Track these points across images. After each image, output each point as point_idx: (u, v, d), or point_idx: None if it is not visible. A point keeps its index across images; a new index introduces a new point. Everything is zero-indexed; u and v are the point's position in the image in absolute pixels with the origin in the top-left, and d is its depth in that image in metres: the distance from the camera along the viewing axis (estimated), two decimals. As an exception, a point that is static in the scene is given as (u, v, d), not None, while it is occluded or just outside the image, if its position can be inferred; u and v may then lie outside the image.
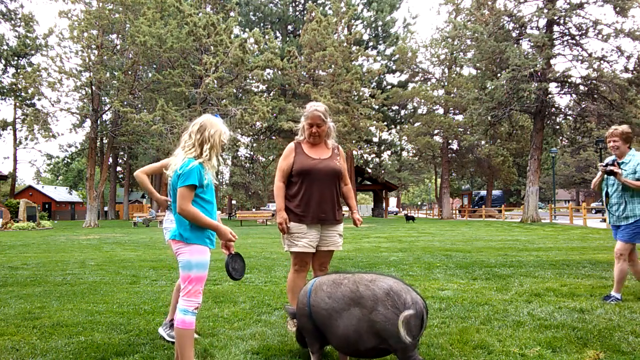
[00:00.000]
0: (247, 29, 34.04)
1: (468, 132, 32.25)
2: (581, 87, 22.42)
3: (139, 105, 28.25)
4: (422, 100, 36.04)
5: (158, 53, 25.28)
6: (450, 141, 35.23)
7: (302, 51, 28.16)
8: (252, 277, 6.01)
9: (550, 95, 22.53)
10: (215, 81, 25.36)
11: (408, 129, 35.92)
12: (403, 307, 2.27)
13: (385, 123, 33.26)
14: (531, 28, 22.83)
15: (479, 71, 26.67)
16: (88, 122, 29.80)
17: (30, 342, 3.22)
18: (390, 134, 41.90)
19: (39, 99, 31.26)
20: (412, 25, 39.92)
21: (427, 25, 58.83)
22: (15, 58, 35.20)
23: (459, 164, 37.23)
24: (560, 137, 27.38)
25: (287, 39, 36.15)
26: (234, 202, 40.63)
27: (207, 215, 2.53)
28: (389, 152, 44.76)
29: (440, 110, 35.71)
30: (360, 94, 30.79)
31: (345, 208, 3.84)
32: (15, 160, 37.26)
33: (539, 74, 21.02)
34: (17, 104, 34.66)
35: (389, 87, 38.43)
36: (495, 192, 43.17)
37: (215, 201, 2.68)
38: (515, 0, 22.55)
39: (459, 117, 33.89)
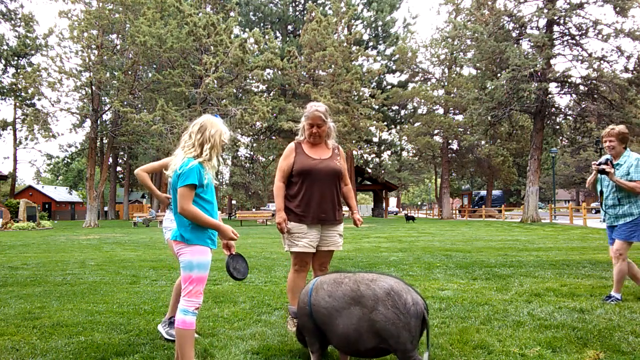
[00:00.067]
0: (247, 29, 34.04)
1: (468, 132, 32.25)
2: (581, 87, 22.42)
3: (139, 105, 28.25)
4: (422, 100, 36.04)
5: (158, 53, 25.28)
6: (450, 141, 35.24)
7: (302, 51, 28.16)
8: (252, 277, 6.01)
9: (550, 95, 22.54)
10: (215, 81, 25.36)
11: (408, 129, 35.92)
12: (403, 307, 2.27)
13: (385, 123, 33.26)
14: (531, 28, 22.84)
15: (479, 71, 26.67)
16: (88, 122, 29.81)
17: (30, 342, 3.22)
18: (390, 134, 41.91)
19: (39, 99, 31.29)
20: (412, 25, 39.95)
21: (427, 25, 58.92)
22: (15, 58, 35.21)
23: (459, 164, 37.24)
24: (560, 137, 27.38)
25: (287, 39, 36.15)
26: (234, 202, 40.64)
27: (207, 215, 2.53)
28: (389, 152, 44.79)
29: (440, 110, 35.72)
30: (360, 94, 30.79)
31: (345, 208, 3.84)
32: (15, 160, 37.27)
33: (539, 74, 21.02)
34: (17, 104, 34.67)
35: (389, 87, 38.43)
36: (495, 192, 43.17)
37: (216, 201, 2.68)
38: (515, 0, 22.55)
39: (459, 117, 33.89)
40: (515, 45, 21.88)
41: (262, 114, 24.46)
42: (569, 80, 22.23)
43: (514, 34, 23.08)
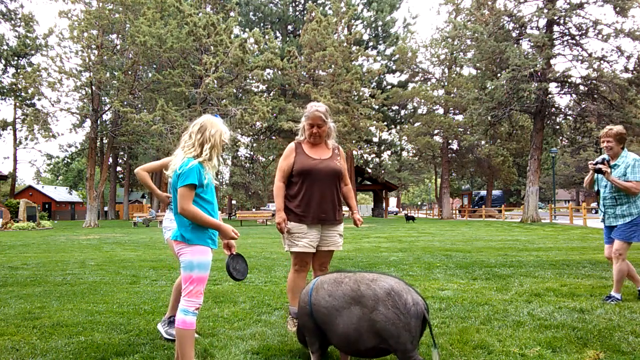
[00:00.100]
0: (247, 29, 34.04)
1: (468, 132, 32.25)
2: (581, 87, 22.42)
3: (139, 105, 28.25)
4: (422, 100, 36.04)
5: (158, 53, 25.28)
6: (450, 141, 35.24)
7: (302, 51, 28.17)
8: (252, 277, 6.01)
9: (550, 95, 22.54)
10: (215, 81, 25.36)
11: (408, 129, 35.92)
12: (404, 308, 2.27)
13: (385, 123, 33.26)
14: (531, 28, 22.84)
15: (479, 71, 26.67)
16: (88, 122, 29.82)
17: (30, 342, 3.22)
18: (390, 134, 41.91)
19: (39, 99, 31.30)
20: (412, 25, 39.95)
21: (427, 25, 58.90)
22: (15, 58, 35.21)
23: (459, 164, 37.24)
24: (560, 137, 27.38)
25: (287, 39, 36.15)
26: (234, 202, 40.64)
27: (207, 215, 2.53)
28: (389, 152, 44.79)
29: (440, 110, 35.72)
30: (360, 94, 30.79)
31: (345, 208, 3.85)
32: (15, 160, 37.27)
33: (539, 74, 21.02)
34: (17, 104, 34.67)
35: (389, 87, 38.43)
36: (495, 192, 43.17)
37: (216, 201, 2.68)
38: (515, 0, 22.55)
39: (459, 117, 33.89)
40: (515, 45, 21.88)
41: (262, 114, 24.46)
42: (569, 80, 22.23)
43: (514, 34, 23.08)
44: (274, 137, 33.51)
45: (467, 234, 14.40)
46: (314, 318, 2.57)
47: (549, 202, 47.68)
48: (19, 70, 32.66)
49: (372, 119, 29.46)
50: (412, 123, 36.66)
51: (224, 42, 24.83)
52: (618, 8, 20.06)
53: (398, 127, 40.16)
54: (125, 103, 26.79)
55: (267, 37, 29.20)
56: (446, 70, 35.55)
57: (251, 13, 37.31)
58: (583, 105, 22.40)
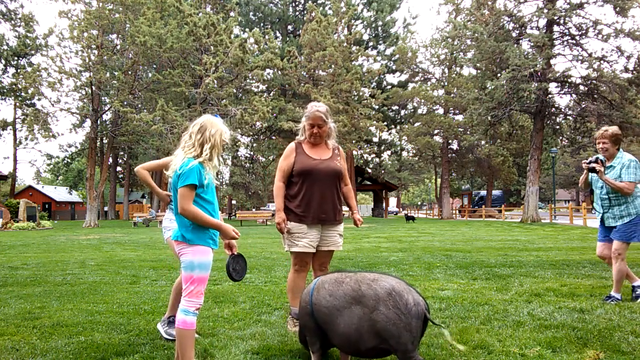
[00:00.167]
0: (247, 29, 34.04)
1: (468, 132, 32.26)
2: (581, 87, 22.42)
3: (139, 105, 28.25)
4: (422, 100, 36.04)
5: (158, 53, 25.28)
6: (450, 141, 35.24)
7: (302, 51, 28.17)
8: (252, 277, 6.01)
9: (550, 95, 22.54)
10: (215, 81, 25.36)
11: (408, 129, 35.92)
12: (405, 308, 2.27)
13: (385, 123, 33.26)
14: (531, 28, 22.85)
15: (479, 71, 26.67)
16: (88, 122, 29.82)
17: (30, 342, 3.22)
18: (390, 134, 41.92)
19: (39, 99, 31.30)
20: (412, 25, 39.94)
21: (427, 25, 58.85)
22: (15, 58, 35.21)
23: (459, 164, 37.24)
24: (560, 137, 27.38)
25: (287, 39, 36.15)
26: (234, 202, 40.63)
27: (208, 215, 2.53)
28: (389, 152, 44.79)
29: (440, 110, 35.72)
30: (360, 94, 30.79)
31: (345, 208, 3.85)
32: (15, 160, 37.28)
33: (539, 74, 21.02)
34: (17, 104, 34.67)
35: (389, 87, 38.43)
36: (495, 192, 43.17)
37: (217, 201, 2.67)
38: (515, 0, 22.56)
39: (459, 117, 33.89)
40: (515, 45, 21.88)
41: (262, 114, 24.46)
42: (569, 80, 22.24)
43: (514, 34, 23.09)
44: (274, 137, 33.51)
45: (467, 234, 14.40)
46: (315, 318, 2.57)
47: (549, 202, 47.68)
48: (19, 70, 32.66)
49: (372, 119, 29.46)
50: (412, 123, 36.66)
51: (224, 42, 24.83)
52: (618, 8, 20.06)
53: (398, 127, 40.16)
54: (125, 103, 26.79)
55: (267, 37, 29.20)
56: (446, 70, 35.55)
57: (251, 13, 37.31)
58: (583, 105, 22.40)
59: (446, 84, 34.59)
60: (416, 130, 34.13)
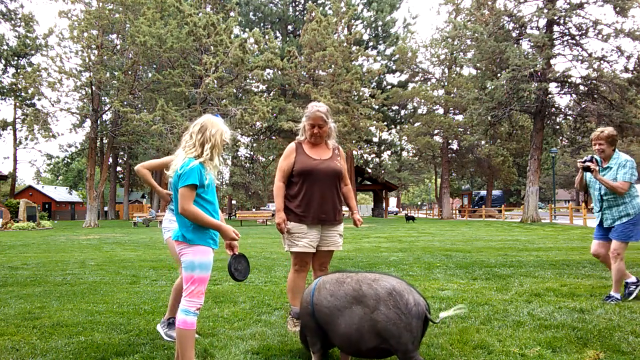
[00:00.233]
0: (247, 29, 34.04)
1: (468, 132, 32.26)
2: (581, 87, 22.42)
3: (139, 105, 28.25)
4: (422, 100, 36.04)
5: (158, 53, 25.29)
6: (450, 141, 35.24)
7: (302, 51, 28.17)
8: (252, 277, 6.01)
9: (550, 95, 22.54)
10: (215, 81, 25.36)
11: (408, 129, 35.92)
12: (405, 308, 2.26)
13: (385, 123, 33.26)
14: (531, 28, 22.85)
15: (479, 71, 26.67)
16: (88, 122, 29.83)
17: (30, 342, 3.22)
18: (390, 134, 41.92)
19: (39, 99, 31.30)
20: (412, 25, 39.93)
21: (427, 25, 58.84)
22: (15, 58, 35.21)
23: (459, 164, 37.24)
24: (560, 137, 27.39)
25: (287, 39, 36.15)
26: (234, 202, 40.64)
27: (208, 215, 2.53)
28: (389, 152, 44.79)
29: (440, 110, 35.72)
30: (360, 94, 30.79)
31: (345, 208, 3.85)
32: (15, 160, 37.28)
33: (539, 74, 21.02)
34: (17, 104, 34.68)
35: (389, 87, 38.43)
36: (495, 192, 43.18)
37: (217, 201, 2.67)
38: (515, 0, 22.56)
39: (459, 117, 33.89)
40: (515, 45, 21.88)
41: (262, 114, 24.46)
42: (569, 80, 22.23)
43: (514, 34, 23.09)
44: (274, 137, 33.51)
45: (467, 234, 14.40)
46: (316, 318, 2.57)
47: (549, 202, 47.69)
48: (19, 70, 32.66)
49: (372, 119, 29.46)
50: (412, 123, 36.66)
51: (224, 42, 24.83)
52: (618, 8, 20.06)
53: (398, 127, 40.16)
54: (125, 103, 26.79)
55: (267, 37, 29.20)
56: (446, 70, 35.55)
57: (251, 13, 37.31)
58: (583, 105, 22.40)
59: (446, 84, 34.59)
60: (416, 130, 34.13)
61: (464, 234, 14.43)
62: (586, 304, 4.11)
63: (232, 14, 31.21)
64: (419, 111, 38.02)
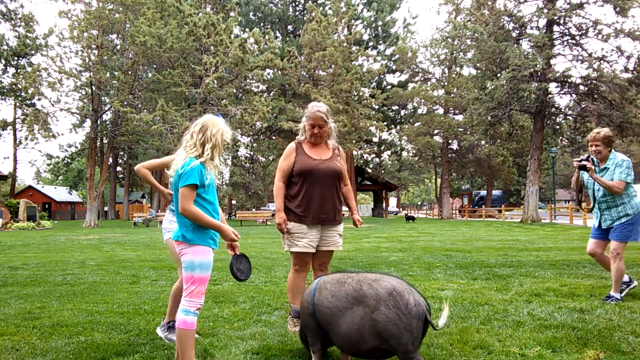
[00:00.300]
0: (247, 29, 34.04)
1: (468, 132, 32.26)
2: (581, 87, 22.42)
3: (139, 105, 28.26)
4: (422, 100, 36.04)
5: (158, 53, 25.29)
6: (450, 141, 35.24)
7: (302, 51, 28.17)
8: (252, 277, 6.00)
9: (550, 95, 22.54)
10: (215, 81, 25.36)
11: (408, 129, 35.92)
12: (405, 308, 2.26)
13: (385, 123, 33.26)
14: (531, 28, 22.85)
15: (479, 71, 26.67)
16: (88, 122, 29.84)
17: (30, 342, 3.22)
18: (390, 134, 41.92)
19: (39, 99, 31.30)
20: (412, 25, 39.93)
21: (427, 25, 58.82)
22: (15, 58, 35.21)
23: (459, 164, 37.24)
24: (560, 137, 27.38)
25: (287, 39, 36.15)
26: (234, 202, 40.64)
27: (208, 215, 2.53)
28: (389, 152, 44.79)
29: (440, 110, 35.72)
30: (360, 94, 30.79)
31: (345, 208, 3.85)
32: (15, 160, 37.28)
33: (539, 74, 21.02)
34: (17, 104, 34.68)
35: (389, 87, 38.43)
36: (495, 192, 43.18)
37: (218, 201, 2.67)
38: (515, 0, 22.56)
39: (459, 117, 33.89)
40: (515, 45, 21.88)
41: (262, 114, 24.46)
42: (569, 80, 22.23)
43: (514, 34, 23.09)
44: (274, 137, 33.50)
45: (467, 234, 14.40)
46: (316, 318, 2.57)
47: (549, 202, 47.69)
48: (19, 70, 32.66)
49: (372, 119, 29.46)
50: (412, 123, 36.66)
51: (224, 42, 24.83)
52: (618, 8, 20.06)
53: (398, 127, 40.16)
54: (125, 103, 26.80)
55: (267, 37, 29.20)
56: (446, 70, 35.55)
57: (251, 13, 37.31)
58: (583, 105, 22.40)
59: (446, 84, 34.59)
60: (416, 130, 34.13)
61: (464, 234, 14.43)
62: (586, 304, 4.11)
63: (232, 14, 31.22)
64: (419, 111, 38.02)
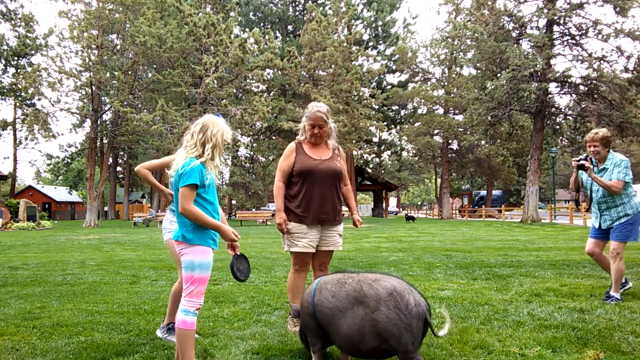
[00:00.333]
0: (247, 29, 34.05)
1: (468, 132, 32.25)
2: (581, 87, 22.42)
3: (139, 105, 28.26)
4: (422, 100, 36.05)
5: (158, 53, 25.29)
6: (450, 141, 35.24)
7: (302, 51, 28.17)
8: (252, 277, 6.01)
9: (550, 95, 22.54)
10: (215, 81, 25.36)
11: (408, 129, 35.93)
12: (405, 308, 2.26)
13: (385, 123, 33.26)
14: (531, 28, 22.85)
15: (479, 71, 26.67)
16: (88, 122, 29.84)
17: (30, 342, 3.22)
18: (390, 134, 41.92)
19: (39, 99, 31.32)
20: (412, 25, 39.94)
21: (427, 25, 58.81)
22: (15, 58, 35.22)
23: (459, 164, 37.24)
24: (560, 137, 27.38)
25: (287, 39, 36.15)
26: (234, 202, 40.63)
27: (208, 215, 2.53)
28: (389, 152, 44.79)
29: (440, 110, 35.72)
30: (360, 94, 30.79)
31: (344, 208, 3.85)
32: (15, 160, 37.28)
33: (539, 74, 21.02)
34: (17, 104, 34.69)
35: (389, 87, 38.43)
36: (495, 192, 43.17)
37: (218, 201, 2.67)
38: (515, 0, 22.56)
39: (459, 117, 33.89)
40: (515, 45, 21.88)
41: (262, 114, 24.46)
42: (569, 80, 22.23)
43: (514, 34, 23.08)
44: (274, 137, 33.50)
45: (467, 234, 14.40)
46: (317, 319, 2.57)
47: (549, 202, 47.69)
48: (19, 70, 32.66)
49: (372, 119, 29.46)
50: (412, 123, 36.66)
51: (224, 42, 24.83)
52: (618, 8, 20.05)
53: (398, 127, 40.16)
54: (125, 103, 26.79)
55: (267, 37, 29.20)
56: (446, 70, 35.55)
57: (251, 13, 37.31)
58: (583, 105, 22.40)
59: (446, 84, 34.59)
60: (416, 130, 34.13)
61: (464, 234, 14.43)
62: (586, 304, 4.11)
63: (232, 14, 31.22)
64: (419, 111, 38.03)
